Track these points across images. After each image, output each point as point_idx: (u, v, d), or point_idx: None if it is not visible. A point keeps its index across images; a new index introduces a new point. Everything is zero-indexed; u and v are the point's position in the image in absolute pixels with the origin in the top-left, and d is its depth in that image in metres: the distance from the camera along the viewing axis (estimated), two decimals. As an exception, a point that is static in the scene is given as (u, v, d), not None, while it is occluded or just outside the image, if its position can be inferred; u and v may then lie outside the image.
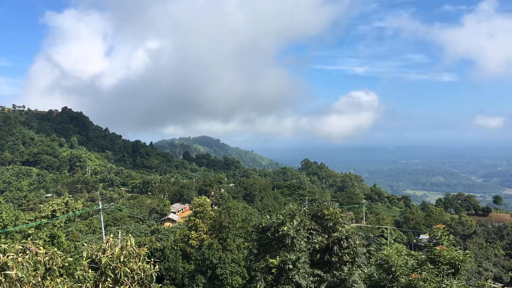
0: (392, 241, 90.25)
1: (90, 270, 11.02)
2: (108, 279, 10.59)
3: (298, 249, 21.15)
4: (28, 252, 10.12)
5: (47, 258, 10.79)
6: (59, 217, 73.03)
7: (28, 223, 62.73)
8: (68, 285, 10.78)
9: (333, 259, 22.45)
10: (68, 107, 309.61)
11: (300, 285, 20.35)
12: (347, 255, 22.24)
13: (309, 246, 22.32)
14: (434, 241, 19.37)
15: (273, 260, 20.74)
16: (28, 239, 14.38)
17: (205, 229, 59.14)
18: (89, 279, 10.83)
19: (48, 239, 48.71)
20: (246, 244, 41.25)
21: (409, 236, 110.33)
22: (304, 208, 25.90)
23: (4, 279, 8.95)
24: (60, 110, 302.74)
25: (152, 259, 11.60)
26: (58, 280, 10.84)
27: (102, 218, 58.21)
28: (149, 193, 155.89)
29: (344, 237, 22.66)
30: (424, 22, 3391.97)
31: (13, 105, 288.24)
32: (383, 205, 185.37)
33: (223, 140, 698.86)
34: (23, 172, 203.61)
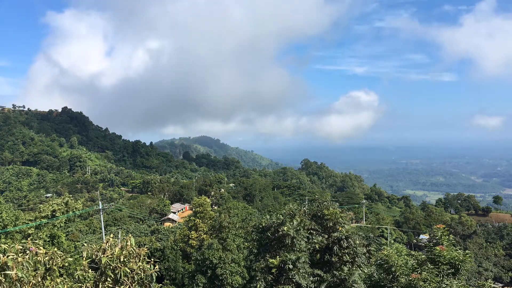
0: (392, 241, 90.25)
1: (90, 270, 11.02)
2: (108, 279, 10.59)
3: (298, 249, 21.16)
4: (28, 252, 10.11)
5: (47, 258, 10.79)
6: (59, 217, 72.99)
7: (28, 223, 62.68)
8: (68, 285, 10.78)
9: (333, 259, 22.45)
10: (68, 107, 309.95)
11: (300, 285, 20.36)
12: (347, 255, 22.25)
13: (309, 246, 22.33)
14: (434, 241, 19.36)
15: (273, 260, 20.74)
16: (28, 239, 14.38)
17: (205, 229, 59.12)
18: (89, 279, 10.82)
19: (48, 239, 48.67)
20: (246, 244, 41.24)
21: (409, 236, 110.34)
22: (304, 208, 25.91)
23: (4, 279, 8.95)
24: (60, 110, 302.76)
25: (152, 259, 11.59)
26: (58, 280, 10.84)
27: (102, 218, 58.23)
28: (149, 193, 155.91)
29: (344, 237, 22.67)
30: (424, 22, 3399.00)
31: (13, 105, 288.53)
32: (383, 205, 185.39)
33: (223, 140, 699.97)
34: (23, 172, 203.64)
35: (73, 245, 51.86)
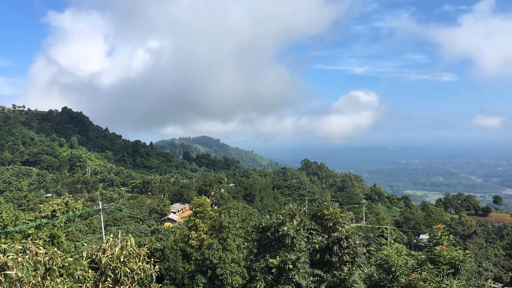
0: (392, 241, 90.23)
1: (90, 270, 11.01)
2: (108, 279, 10.59)
3: (298, 249, 21.15)
4: (28, 252, 10.11)
5: (47, 258, 10.78)
6: (59, 217, 72.92)
7: (28, 223, 62.61)
8: (68, 285, 10.78)
9: (333, 259, 22.45)
10: (68, 107, 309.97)
11: (300, 285, 20.36)
12: (347, 255, 22.25)
13: (309, 246, 22.32)
14: (434, 241, 19.36)
15: (273, 260, 20.74)
16: (28, 239, 14.38)
17: (205, 229, 59.09)
18: (89, 279, 10.82)
19: (48, 239, 48.64)
20: (246, 244, 41.20)
21: (409, 236, 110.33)
22: (304, 208, 25.91)
23: (4, 279, 8.95)
24: (60, 110, 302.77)
25: (152, 259, 11.59)
26: (58, 280, 10.84)
27: (102, 218, 58.22)
28: (149, 193, 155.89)
29: (344, 237, 22.67)
30: (424, 22, 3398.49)
31: (13, 105, 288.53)
32: (383, 205, 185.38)
33: (223, 140, 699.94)
34: (23, 172, 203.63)
35: (73, 245, 51.84)
